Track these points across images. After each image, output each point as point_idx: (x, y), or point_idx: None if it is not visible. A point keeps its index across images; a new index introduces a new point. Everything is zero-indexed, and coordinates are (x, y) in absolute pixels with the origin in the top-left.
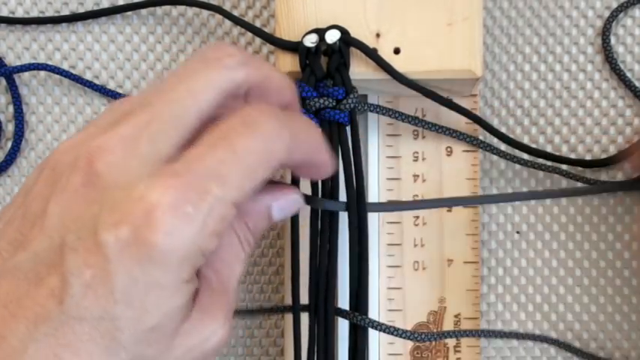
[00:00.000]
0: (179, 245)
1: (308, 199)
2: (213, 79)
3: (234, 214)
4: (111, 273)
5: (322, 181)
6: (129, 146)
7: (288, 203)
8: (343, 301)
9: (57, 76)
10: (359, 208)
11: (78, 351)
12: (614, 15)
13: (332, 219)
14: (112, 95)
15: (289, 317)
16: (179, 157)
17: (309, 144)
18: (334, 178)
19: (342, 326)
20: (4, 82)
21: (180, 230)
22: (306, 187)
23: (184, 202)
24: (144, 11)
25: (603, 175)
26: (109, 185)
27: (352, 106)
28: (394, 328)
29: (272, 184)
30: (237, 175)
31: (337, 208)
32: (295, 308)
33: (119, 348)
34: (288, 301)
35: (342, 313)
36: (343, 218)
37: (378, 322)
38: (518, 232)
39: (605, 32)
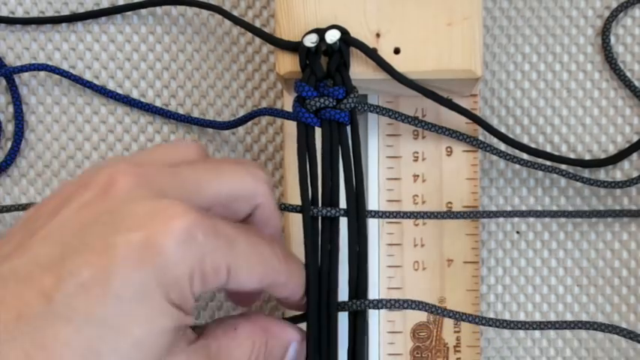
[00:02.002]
0: (179, 260)
1: (306, 207)
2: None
3: (221, 284)
4: (109, 274)
5: (322, 182)
6: (149, 177)
7: (303, 350)
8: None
9: (57, 76)
10: (358, 207)
11: (51, 355)
12: (614, 15)
13: (332, 222)
14: (111, 96)
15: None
16: None
17: (295, 282)
18: (334, 178)
19: (342, 326)
20: (3, 82)
21: (186, 247)
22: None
23: (198, 227)
24: (144, 11)
25: (602, 175)
26: (124, 200)
27: (353, 105)
28: (394, 301)
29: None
30: (245, 253)
31: (336, 214)
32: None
33: None
34: None
35: (341, 305)
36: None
37: (378, 300)
38: (517, 232)
39: (605, 32)
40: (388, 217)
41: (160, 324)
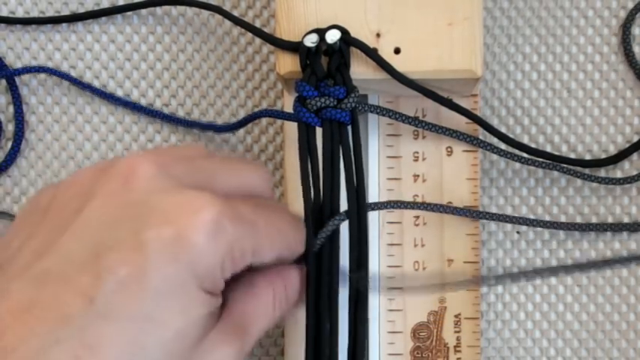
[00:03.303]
0: (211, 251)
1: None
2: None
3: (248, 263)
4: (147, 271)
5: (323, 182)
6: (168, 167)
7: (303, 284)
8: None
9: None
10: (359, 207)
11: (101, 354)
12: (634, 13)
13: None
14: (112, 99)
15: (289, 319)
16: None
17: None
18: (334, 178)
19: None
20: (4, 82)
21: (216, 239)
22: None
23: (225, 216)
24: (144, 11)
25: (602, 175)
26: (147, 190)
27: (353, 105)
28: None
29: None
30: (267, 232)
31: (337, 222)
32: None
33: (143, 355)
34: None
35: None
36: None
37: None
38: (518, 232)
39: (626, 31)
40: (387, 207)
41: (196, 312)
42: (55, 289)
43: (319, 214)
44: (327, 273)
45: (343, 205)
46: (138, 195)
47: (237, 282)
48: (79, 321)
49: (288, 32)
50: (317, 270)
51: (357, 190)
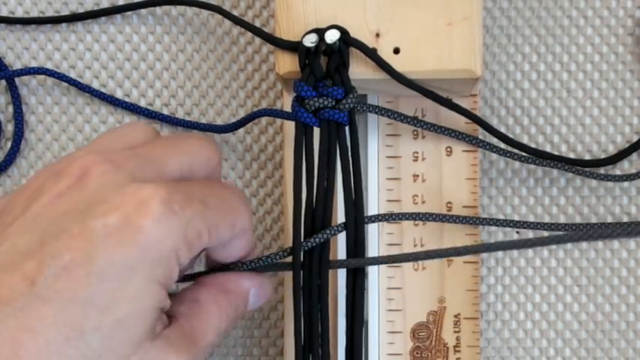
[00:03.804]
0: (162, 236)
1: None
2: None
3: (204, 245)
4: (92, 256)
5: (317, 182)
6: (120, 162)
7: (264, 292)
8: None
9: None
10: (357, 207)
11: (38, 336)
12: None
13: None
14: (110, 101)
15: (289, 318)
16: None
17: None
18: (330, 178)
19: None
20: (3, 82)
21: (166, 222)
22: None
23: (173, 201)
24: (144, 11)
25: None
26: (99, 187)
27: (351, 105)
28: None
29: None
30: (218, 208)
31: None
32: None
33: (80, 339)
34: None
35: (338, 263)
36: (340, 214)
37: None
38: (518, 232)
39: None
40: (385, 219)
41: (143, 303)
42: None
43: (312, 215)
44: (317, 275)
45: (340, 206)
46: (87, 192)
47: (183, 299)
48: (19, 303)
49: (287, 32)
50: (308, 270)
51: (355, 192)
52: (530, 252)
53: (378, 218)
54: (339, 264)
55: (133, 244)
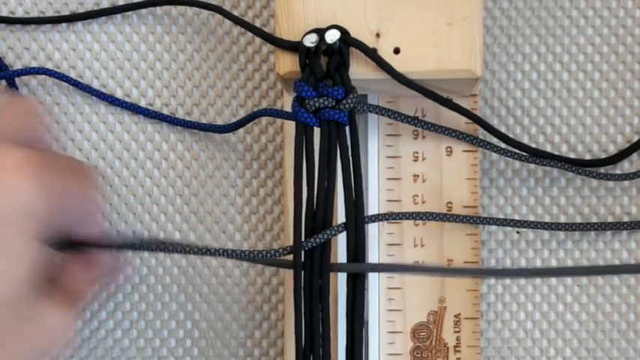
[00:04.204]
0: (36, 196)
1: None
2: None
3: (69, 205)
4: None
5: (318, 182)
6: None
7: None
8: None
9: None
10: (357, 207)
11: None
12: None
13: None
14: (110, 101)
15: (289, 319)
16: None
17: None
18: (330, 178)
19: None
20: (3, 82)
21: (42, 185)
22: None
23: (33, 161)
24: (144, 11)
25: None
26: None
27: (352, 106)
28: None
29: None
30: (72, 171)
31: (334, 233)
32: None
33: None
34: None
35: (338, 266)
36: (340, 214)
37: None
38: (518, 232)
39: None
40: (386, 219)
41: (18, 270)
42: None
43: (313, 215)
44: (319, 275)
45: (341, 206)
46: None
47: (72, 266)
48: None
49: (287, 32)
50: (309, 270)
51: (355, 191)
52: (530, 252)
53: (378, 218)
54: (340, 267)
55: (10, 202)
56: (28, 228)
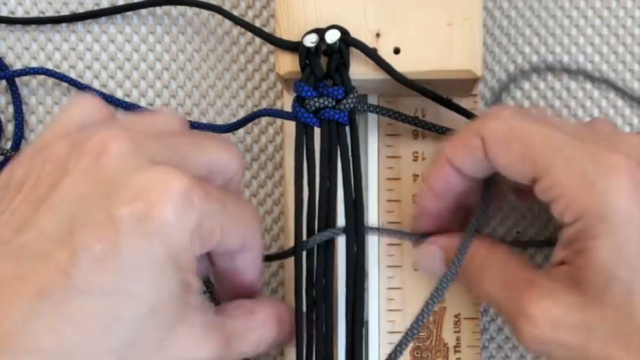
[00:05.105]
0: (181, 226)
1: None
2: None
3: (215, 243)
4: (120, 247)
5: (320, 182)
6: (141, 143)
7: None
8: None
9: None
10: (356, 207)
11: (79, 327)
12: None
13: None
14: (110, 101)
15: None
16: None
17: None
18: (331, 178)
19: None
20: (4, 82)
21: (185, 214)
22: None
23: (194, 193)
24: (144, 11)
25: None
26: (119, 167)
27: (352, 105)
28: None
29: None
30: (233, 213)
31: (334, 234)
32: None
33: (119, 328)
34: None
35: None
36: (340, 213)
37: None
38: (518, 232)
39: None
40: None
41: (169, 287)
42: (33, 265)
43: (313, 215)
44: (322, 275)
45: (340, 206)
46: (109, 172)
47: (240, 304)
48: (57, 295)
49: (287, 32)
50: (310, 270)
51: (356, 190)
52: (531, 250)
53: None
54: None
55: (156, 234)
56: (171, 260)
